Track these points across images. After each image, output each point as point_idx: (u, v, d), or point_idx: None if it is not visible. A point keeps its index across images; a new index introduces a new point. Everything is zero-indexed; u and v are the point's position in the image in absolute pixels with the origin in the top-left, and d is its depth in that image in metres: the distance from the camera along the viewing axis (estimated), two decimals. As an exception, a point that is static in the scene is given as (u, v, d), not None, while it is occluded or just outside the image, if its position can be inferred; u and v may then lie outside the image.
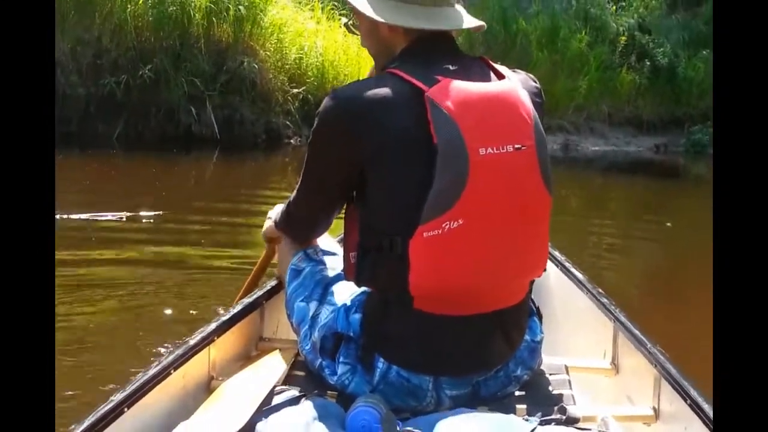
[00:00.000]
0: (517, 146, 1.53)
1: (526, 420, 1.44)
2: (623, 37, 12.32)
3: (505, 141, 1.52)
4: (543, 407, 1.57)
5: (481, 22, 1.69)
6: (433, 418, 1.44)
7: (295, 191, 1.75)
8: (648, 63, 12.28)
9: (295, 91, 9.41)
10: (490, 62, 1.64)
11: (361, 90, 1.55)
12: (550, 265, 2.30)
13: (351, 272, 1.63)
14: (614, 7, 12.73)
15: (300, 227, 1.85)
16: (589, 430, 1.49)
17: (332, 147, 1.57)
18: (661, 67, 12.31)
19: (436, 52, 1.59)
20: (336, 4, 10.21)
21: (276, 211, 1.99)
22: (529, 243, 1.61)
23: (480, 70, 1.60)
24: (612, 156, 11.61)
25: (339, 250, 1.90)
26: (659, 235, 6.65)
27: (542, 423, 1.45)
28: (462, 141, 1.47)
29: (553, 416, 1.52)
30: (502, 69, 1.62)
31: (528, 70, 1.75)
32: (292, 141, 9.41)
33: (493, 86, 1.56)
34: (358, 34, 2.20)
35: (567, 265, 2.42)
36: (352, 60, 9.89)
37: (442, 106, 1.48)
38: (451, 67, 1.56)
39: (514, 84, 1.59)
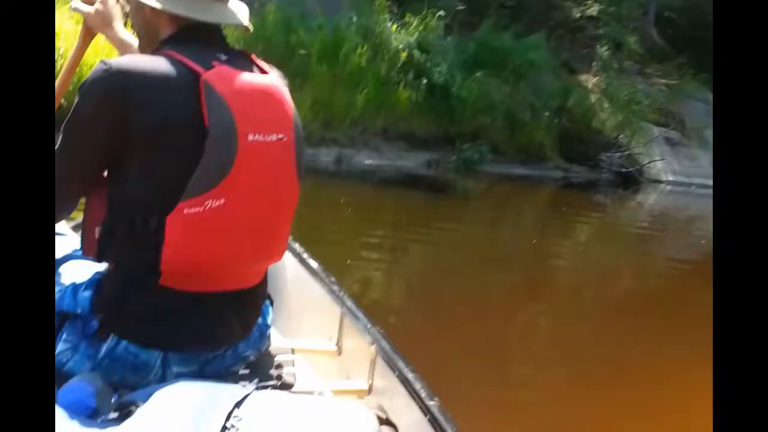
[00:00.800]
0: (279, 136, 1.63)
1: (243, 387, 1.47)
2: (404, 54, 12.69)
3: (270, 130, 1.60)
4: (263, 381, 1.64)
5: (248, 24, 1.71)
6: (151, 390, 1.42)
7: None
8: (425, 81, 12.70)
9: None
10: (254, 57, 1.70)
11: (136, 64, 1.53)
12: (288, 255, 2.46)
13: (92, 249, 1.59)
14: (395, 26, 13.09)
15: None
16: (304, 393, 1.57)
17: (97, 117, 1.52)
18: (437, 85, 12.79)
19: (205, 41, 1.62)
20: None
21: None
22: (277, 228, 1.70)
23: (247, 63, 1.66)
24: (385, 170, 11.91)
25: (66, 230, 1.87)
26: (427, 245, 7.08)
27: (258, 389, 1.47)
28: (234, 126, 1.52)
29: (269, 383, 1.60)
30: (263, 64, 1.70)
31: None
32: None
33: (261, 78, 1.64)
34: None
35: (304, 256, 2.54)
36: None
37: (218, 90, 1.51)
38: (222, 57, 1.60)
39: (277, 79, 1.69)
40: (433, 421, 1.55)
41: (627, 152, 14.21)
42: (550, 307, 5.62)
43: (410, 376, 1.72)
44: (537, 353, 4.42)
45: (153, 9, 1.62)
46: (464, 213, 9.93)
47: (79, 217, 1.83)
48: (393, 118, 12.53)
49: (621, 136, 14.49)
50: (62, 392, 1.40)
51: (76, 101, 1.54)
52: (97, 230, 1.58)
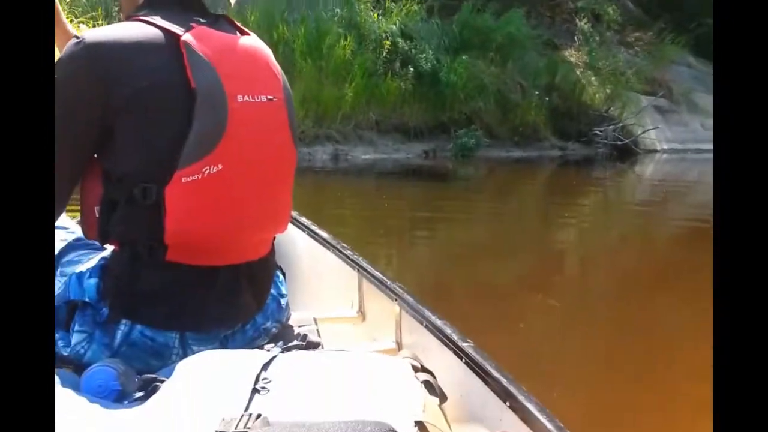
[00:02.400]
0: (269, 97, 1.57)
1: (267, 351, 1.42)
2: (387, 42, 12.30)
3: (259, 91, 1.54)
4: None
5: None
6: (174, 365, 1.37)
7: None
8: (411, 69, 12.35)
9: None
10: (233, 21, 1.64)
11: (110, 33, 1.47)
12: (296, 230, 2.52)
13: (93, 229, 1.52)
14: (376, 15, 12.69)
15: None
16: (330, 350, 1.52)
17: (81, 97, 1.45)
18: (424, 72, 12.42)
19: (184, 5, 1.55)
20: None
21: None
22: (278, 195, 1.65)
23: (227, 26, 1.60)
24: (382, 164, 11.56)
25: (67, 223, 1.86)
26: (438, 231, 7.04)
27: (284, 351, 1.44)
28: (221, 87, 1.46)
29: (294, 343, 1.56)
30: (243, 28, 1.64)
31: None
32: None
33: (243, 39, 1.58)
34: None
35: (313, 227, 2.52)
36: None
37: (199, 51, 1.45)
38: (201, 20, 1.53)
39: (260, 41, 1.63)
40: (470, 362, 1.50)
41: (620, 124, 13.95)
42: (561, 291, 5.44)
43: (439, 323, 1.67)
44: (552, 334, 4.18)
45: None
46: (467, 200, 9.65)
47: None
48: (384, 109, 12.19)
49: (612, 108, 14.23)
50: (85, 379, 1.36)
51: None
52: (96, 209, 1.51)
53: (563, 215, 8.67)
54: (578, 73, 14.55)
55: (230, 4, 1.69)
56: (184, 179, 1.44)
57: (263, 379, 1.26)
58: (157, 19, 1.49)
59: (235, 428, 1.08)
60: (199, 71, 1.45)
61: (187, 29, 1.47)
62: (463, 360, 1.51)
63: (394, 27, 12.56)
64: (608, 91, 14.35)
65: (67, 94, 1.44)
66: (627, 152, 13.86)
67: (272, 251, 1.72)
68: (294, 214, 2.55)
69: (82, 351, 1.52)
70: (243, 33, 1.61)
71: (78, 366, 1.49)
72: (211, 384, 1.25)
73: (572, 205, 9.60)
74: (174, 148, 1.43)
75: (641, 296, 5.01)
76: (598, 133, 13.80)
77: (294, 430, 1.04)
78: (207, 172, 1.45)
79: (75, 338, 1.52)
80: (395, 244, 6.68)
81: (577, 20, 15.47)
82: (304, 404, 1.19)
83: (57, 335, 1.55)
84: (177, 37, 1.46)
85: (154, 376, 1.37)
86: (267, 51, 1.63)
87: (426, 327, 1.70)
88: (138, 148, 1.47)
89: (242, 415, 1.11)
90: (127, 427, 1.16)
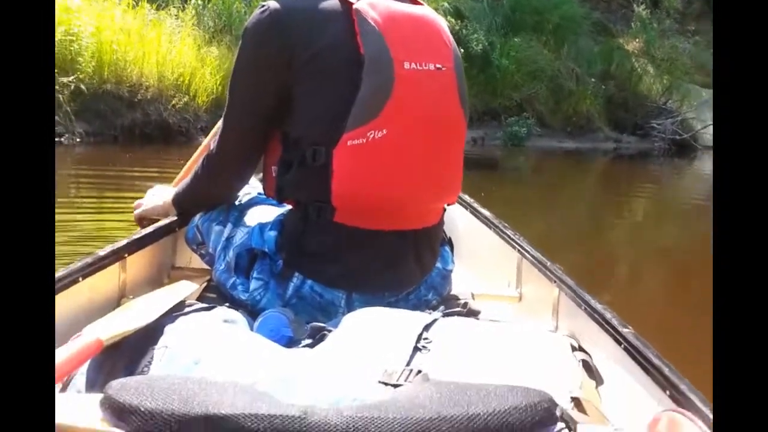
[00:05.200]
0: (438, 66, 1.58)
1: (429, 314, 1.43)
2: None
3: (427, 59, 1.56)
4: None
5: None
6: (341, 318, 1.42)
7: (218, 135, 1.72)
8: (462, 51, 11.56)
9: (64, 80, 7.70)
10: None
11: (290, 3, 1.58)
12: (458, 207, 2.59)
13: (272, 188, 1.65)
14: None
15: (229, 172, 1.77)
16: (489, 320, 1.53)
17: (265, 61, 1.57)
18: (476, 55, 11.67)
19: None
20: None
21: (159, 193, 2.06)
22: (447, 163, 1.66)
23: None
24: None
25: (253, 180, 1.91)
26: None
27: (445, 315, 1.44)
28: (388, 53, 1.51)
29: (455, 309, 1.57)
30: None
31: None
32: (62, 140, 7.71)
33: (415, 8, 1.62)
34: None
35: (475, 205, 2.58)
36: (134, 42, 8.32)
37: (369, 18, 1.52)
38: None
39: (433, 11, 1.67)
40: (629, 348, 1.42)
41: (679, 118, 13.13)
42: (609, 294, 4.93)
43: (599, 307, 1.60)
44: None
45: None
46: (517, 192, 9.02)
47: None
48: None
49: (670, 101, 13.41)
50: (260, 323, 1.46)
51: (239, 47, 1.62)
52: (274, 170, 1.64)
53: (616, 212, 8.23)
54: (634, 61, 13.73)
55: None
56: (349, 142, 1.50)
57: (424, 339, 1.30)
58: None
59: (396, 380, 1.11)
60: (367, 37, 1.51)
61: None
62: (622, 346, 1.47)
63: (446, 4, 11.79)
64: (666, 82, 13.52)
65: (255, 55, 1.58)
66: (686, 148, 13.04)
67: (441, 222, 1.75)
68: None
69: (258, 297, 1.62)
70: (415, 3, 1.65)
71: (252, 312, 1.57)
72: (375, 338, 1.30)
73: (626, 201, 9.03)
74: (342, 111, 1.50)
75: (693, 303, 4.61)
76: (656, 126, 12.99)
77: (453, 387, 1.01)
78: (372, 136, 1.51)
79: (253, 284, 1.63)
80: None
81: (634, 6, 14.61)
82: (463, 366, 1.23)
83: (237, 280, 1.66)
84: (350, 5, 1.53)
85: (322, 325, 1.41)
86: (439, 21, 1.65)
87: (585, 311, 1.67)
88: (309, 112, 1.55)
89: (403, 369, 1.14)
90: (296, 368, 1.18)
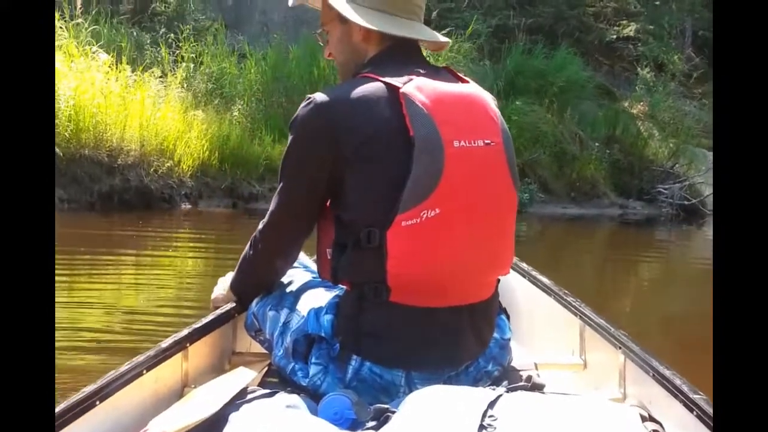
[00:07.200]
0: (486, 141, 1.63)
1: (493, 389, 1.44)
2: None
3: (476, 136, 1.62)
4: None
5: (447, 39, 1.83)
6: (404, 398, 1.44)
7: (266, 218, 1.77)
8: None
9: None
10: (454, 71, 1.75)
11: (337, 93, 1.64)
12: (515, 275, 2.56)
13: (326, 270, 1.69)
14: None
15: (275, 253, 1.83)
16: (555, 393, 1.50)
17: (314, 153, 1.63)
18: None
19: (405, 58, 1.69)
20: (92, 38, 8.28)
21: (225, 280, 2.06)
22: (499, 237, 1.70)
23: (447, 75, 1.71)
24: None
25: (303, 259, 1.99)
26: None
27: (509, 391, 1.44)
28: (438, 133, 1.56)
29: (519, 384, 1.55)
30: (463, 77, 1.72)
31: None
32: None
33: (461, 87, 1.67)
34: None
35: (533, 273, 2.52)
36: (115, 105, 7.96)
37: (416, 101, 1.57)
38: (421, 71, 1.65)
39: (479, 88, 1.73)
40: (701, 416, 1.39)
41: (687, 182, 12.68)
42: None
43: (667, 373, 1.57)
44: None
45: (364, 33, 1.72)
46: (521, 259, 8.52)
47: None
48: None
49: (677, 165, 12.99)
50: (323, 406, 1.46)
51: (289, 140, 1.69)
52: (328, 252, 1.68)
53: (622, 280, 7.99)
54: (639, 125, 13.37)
55: (448, 43, 1.89)
56: (404, 223, 1.56)
57: (489, 416, 1.28)
58: (379, 74, 1.63)
59: None
60: (416, 120, 1.57)
61: (406, 81, 1.60)
62: (695, 413, 1.40)
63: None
64: (672, 146, 13.12)
65: (302, 148, 1.67)
66: (694, 213, 12.56)
67: (495, 294, 1.77)
68: (515, 259, 2.50)
69: (319, 382, 1.67)
70: (462, 81, 1.72)
71: (314, 396, 1.60)
72: (440, 417, 1.28)
73: (633, 269, 8.69)
74: (394, 193, 1.55)
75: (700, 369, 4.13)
76: (663, 191, 12.54)
77: None
78: (425, 216, 1.56)
79: (312, 369, 1.68)
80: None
81: (639, 68, 14.33)
82: None
83: (296, 366, 1.71)
84: (396, 89, 1.59)
85: (386, 406, 1.42)
86: (485, 97, 1.71)
87: (653, 377, 1.62)
88: (362, 193, 1.61)
89: None
90: None
